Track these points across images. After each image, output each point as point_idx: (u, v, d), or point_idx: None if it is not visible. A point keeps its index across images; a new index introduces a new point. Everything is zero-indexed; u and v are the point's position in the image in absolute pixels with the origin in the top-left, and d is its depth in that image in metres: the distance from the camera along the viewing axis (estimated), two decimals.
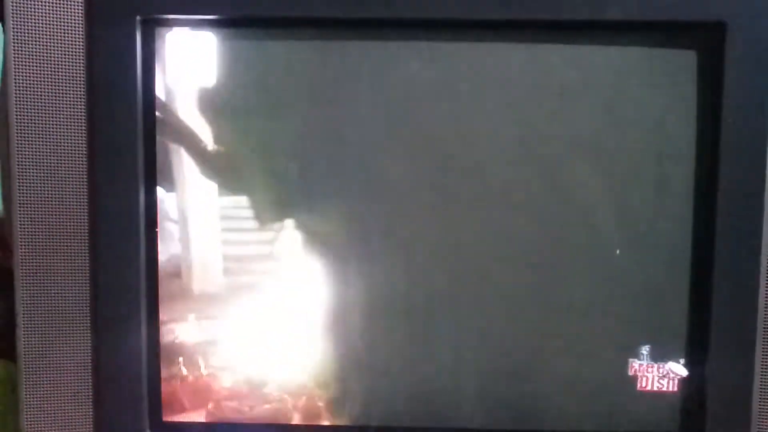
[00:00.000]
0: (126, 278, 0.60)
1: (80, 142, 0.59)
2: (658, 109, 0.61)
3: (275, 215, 0.62)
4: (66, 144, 0.59)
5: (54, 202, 0.59)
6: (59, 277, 0.59)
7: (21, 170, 0.58)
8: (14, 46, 0.58)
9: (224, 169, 0.62)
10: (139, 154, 0.59)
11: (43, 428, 0.60)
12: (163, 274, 0.61)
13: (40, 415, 0.59)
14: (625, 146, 0.61)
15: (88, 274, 0.59)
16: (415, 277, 0.62)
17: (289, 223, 0.61)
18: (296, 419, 0.62)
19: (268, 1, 0.59)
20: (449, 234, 0.62)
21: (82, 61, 0.58)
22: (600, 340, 0.62)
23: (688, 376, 0.61)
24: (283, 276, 0.62)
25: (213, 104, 0.61)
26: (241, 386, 0.62)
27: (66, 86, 0.58)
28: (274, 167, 0.62)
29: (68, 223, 0.59)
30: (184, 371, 0.62)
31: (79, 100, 0.58)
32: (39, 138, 0.58)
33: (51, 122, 0.58)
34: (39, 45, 0.58)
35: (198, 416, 0.62)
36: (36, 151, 0.58)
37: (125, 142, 0.59)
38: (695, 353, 0.60)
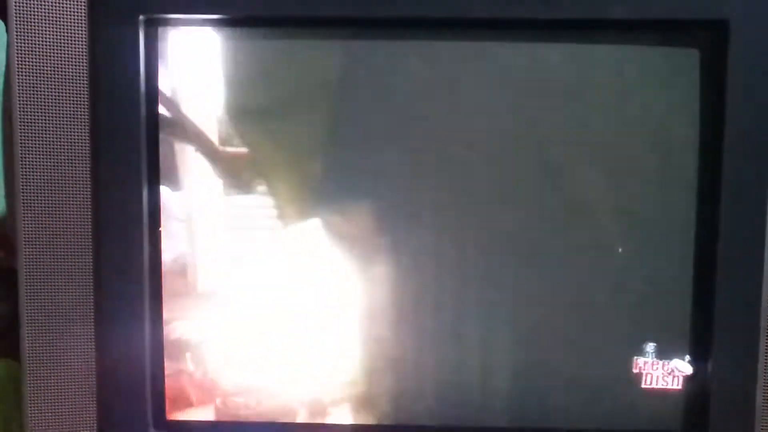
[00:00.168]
0: (129, 277, 0.60)
1: (83, 141, 0.59)
2: (661, 107, 0.61)
3: (281, 213, 0.62)
4: (69, 143, 0.58)
5: (57, 202, 0.59)
6: (63, 277, 0.59)
7: (24, 170, 0.58)
8: (17, 46, 0.58)
9: (228, 168, 0.62)
10: (142, 153, 0.60)
11: (47, 427, 0.60)
12: (169, 272, 0.61)
13: (44, 414, 0.59)
14: (628, 145, 0.61)
15: (91, 274, 0.59)
16: (417, 277, 0.62)
17: (296, 221, 0.62)
18: (304, 415, 0.62)
19: (270, 0, 0.59)
20: (452, 233, 0.62)
21: (85, 60, 0.58)
22: (605, 338, 0.62)
23: (692, 374, 0.61)
24: (294, 274, 0.62)
25: (215, 103, 0.61)
26: (248, 382, 0.62)
27: (69, 85, 0.58)
28: (279, 166, 0.61)
29: (72, 223, 0.59)
30: (191, 367, 0.62)
31: (82, 99, 0.58)
32: (42, 137, 0.58)
33: (54, 121, 0.58)
34: (42, 44, 0.58)
35: (205, 411, 0.62)
36: (39, 151, 0.58)
37: (128, 141, 0.59)
38: (700, 350, 0.60)
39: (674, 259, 0.61)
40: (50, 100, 0.58)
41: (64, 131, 0.58)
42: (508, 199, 0.62)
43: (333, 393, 0.63)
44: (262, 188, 0.61)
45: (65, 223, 0.59)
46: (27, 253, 0.59)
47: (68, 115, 0.58)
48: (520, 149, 0.62)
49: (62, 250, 0.59)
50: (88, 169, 0.59)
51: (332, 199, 0.62)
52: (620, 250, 0.61)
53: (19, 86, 0.58)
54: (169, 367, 0.62)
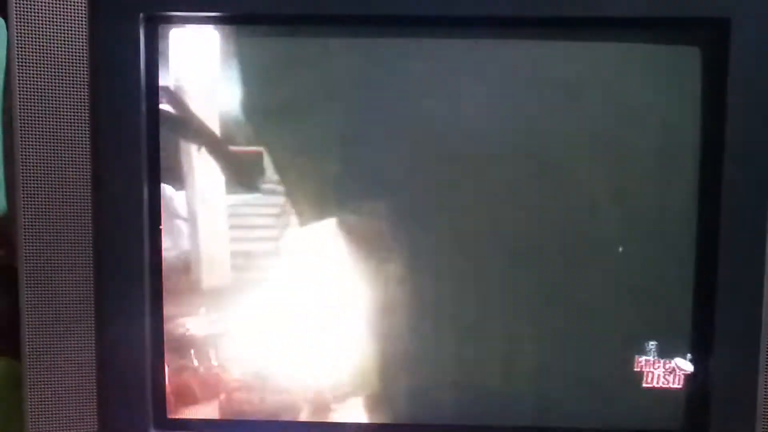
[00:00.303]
0: (130, 276, 0.60)
1: (84, 139, 0.59)
2: (662, 105, 0.61)
3: (282, 211, 0.62)
4: (69, 141, 0.58)
5: (58, 200, 0.59)
6: (63, 275, 0.59)
7: (24, 167, 0.58)
8: (17, 44, 0.58)
9: (230, 166, 0.62)
10: (142, 151, 0.60)
11: (47, 426, 0.59)
12: (172, 269, 0.61)
13: (44, 412, 0.59)
14: (630, 143, 0.61)
15: (91, 272, 0.59)
16: (415, 277, 0.62)
17: (300, 219, 0.62)
18: (306, 413, 0.62)
19: None
20: (449, 231, 0.62)
21: (85, 58, 0.58)
22: (606, 337, 0.62)
23: (694, 373, 0.61)
24: (300, 272, 0.62)
25: (216, 101, 0.61)
26: (252, 378, 0.62)
27: (69, 83, 0.58)
28: (280, 164, 0.61)
29: (72, 221, 0.59)
30: (195, 363, 0.62)
31: (82, 97, 0.58)
32: (42, 135, 0.58)
33: (54, 119, 0.58)
34: (42, 42, 0.57)
35: (209, 408, 0.62)
36: (39, 149, 0.58)
37: (128, 139, 0.59)
38: (701, 349, 0.60)
39: (676, 258, 0.61)
40: (50, 98, 0.58)
41: (64, 129, 0.58)
42: (510, 198, 0.62)
43: (336, 390, 0.63)
44: (264, 186, 0.61)
45: (65, 221, 0.59)
46: (27, 251, 0.59)
47: (68, 113, 0.58)
48: (521, 148, 0.61)
49: (62, 248, 0.59)
50: (89, 167, 0.59)
51: (330, 198, 0.62)
52: (621, 249, 0.61)
53: (19, 84, 0.58)
54: (173, 363, 0.62)
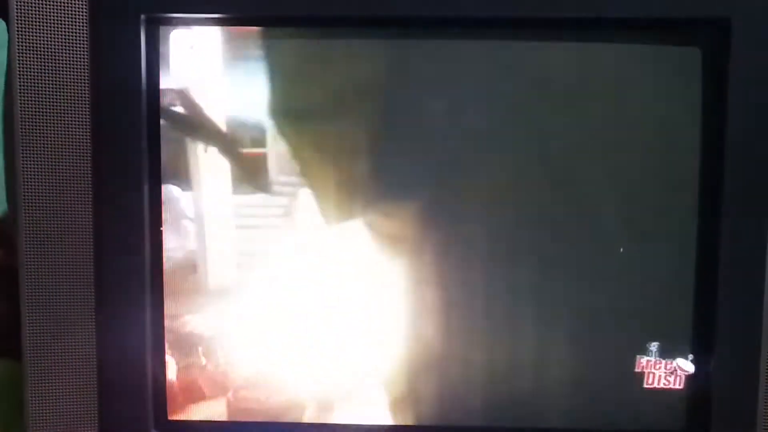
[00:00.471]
0: (130, 277, 0.60)
1: (85, 140, 0.58)
2: (663, 106, 0.61)
3: (281, 211, 0.62)
4: (70, 142, 0.58)
5: (58, 201, 0.58)
6: (63, 276, 0.59)
7: (25, 168, 0.58)
8: (18, 46, 0.58)
9: (233, 166, 0.62)
10: (143, 152, 0.60)
11: (47, 427, 0.59)
12: (177, 269, 0.61)
13: (44, 414, 0.59)
14: (630, 144, 0.61)
15: (92, 273, 0.59)
16: (425, 279, 0.62)
17: (304, 218, 0.62)
18: (312, 413, 0.63)
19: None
20: (456, 234, 0.62)
21: (86, 59, 0.58)
22: (608, 338, 0.62)
23: (695, 373, 0.61)
24: (308, 272, 0.63)
25: (217, 102, 0.61)
26: (258, 376, 0.63)
27: (70, 85, 0.58)
28: (281, 164, 0.62)
29: (73, 222, 0.59)
30: (203, 361, 0.62)
31: (83, 98, 0.58)
32: (43, 136, 0.58)
33: (55, 120, 0.58)
34: (43, 44, 0.57)
35: (216, 405, 0.63)
36: (40, 150, 0.58)
37: (129, 141, 0.59)
38: (702, 350, 0.60)
39: (677, 259, 0.61)
40: (51, 100, 0.58)
41: (65, 130, 0.58)
42: (513, 200, 0.62)
43: (341, 390, 0.63)
44: (270, 187, 0.61)
45: (66, 222, 0.59)
46: (28, 251, 0.59)
47: (69, 114, 0.58)
48: (522, 150, 0.62)
49: (63, 249, 0.59)
50: (90, 168, 0.59)
51: (331, 197, 0.62)
52: (622, 250, 0.61)
53: (20, 86, 0.58)
54: (180, 360, 0.62)
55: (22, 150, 0.58)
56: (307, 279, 0.62)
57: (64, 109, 0.58)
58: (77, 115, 0.58)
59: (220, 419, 0.63)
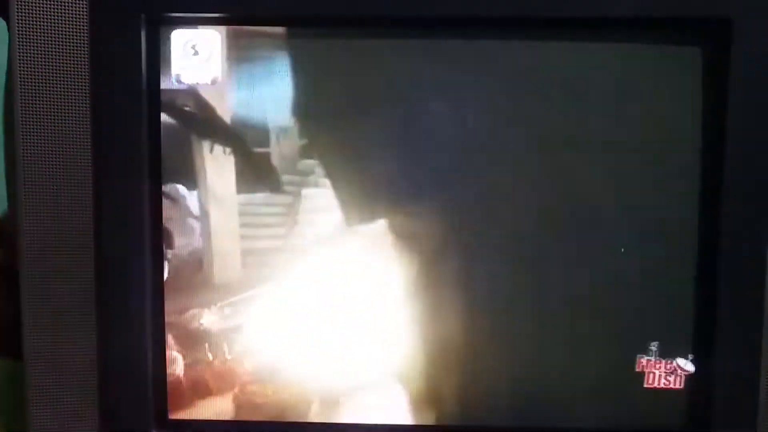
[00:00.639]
0: (131, 276, 0.60)
1: (85, 140, 0.58)
2: (664, 106, 0.61)
3: (282, 210, 0.62)
4: (71, 142, 0.58)
5: (59, 200, 0.58)
6: (64, 275, 0.59)
7: (25, 168, 0.58)
8: (19, 45, 0.58)
9: (236, 165, 0.62)
10: (143, 151, 0.60)
11: (48, 426, 0.59)
12: (182, 266, 0.62)
13: (45, 413, 0.59)
14: (631, 143, 0.61)
15: (93, 273, 0.59)
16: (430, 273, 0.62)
17: (306, 217, 0.62)
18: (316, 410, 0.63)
19: None
20: (450, 231, 0.62)
21: (87, 59, 0.58)
22: (608, 337, 0.62)
23: (695, 373, 0.61)
24: (319, 271, 0.63)
25: (218, 102, 0.61)
26: (265, 371, 0.63)
27: (71, 85, 0.58)
28: (288, 163, 0.62)
29: (73, 221, 0.59)
30: (210, 356, 0.63)
31: (84, 98, 0.58)
32: (43, 136, 0.58)
33: (56, 120, 0.58)
34: (44, 43, 0.57)
35: (223, 400, 0.63)
36: (41, 150, 0.58)
37: (130, 141, 0.59)
38: (703, 349, 0.60)
39: (677, 258, 0.61)
40: (52, 99, 0.58)
41: (65, 130, 0.58)
42: (512, 199, 0.62)
43: (350, 387, 0.63)
44: (275, 185, 0.62)
45: (67, 222, 0.59)
46: (28, 251, 0.59)
47: (70, 114, 0.58)
48: (522, 149, 0.62)
49: (64, 249, 0.59)
50: (90, 168, 0.59)
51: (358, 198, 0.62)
52: (623, 249, 0.61)
53: (20, 85, 0.58)
54: (187, 356, 0.62)
55: (22, 149, 0.58)
56: (320, 276, 0.62)
57: (64, 109, 0.58)
58: (77, 115, 0.58)
59: (224, 416, 0.63)
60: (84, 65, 0.58)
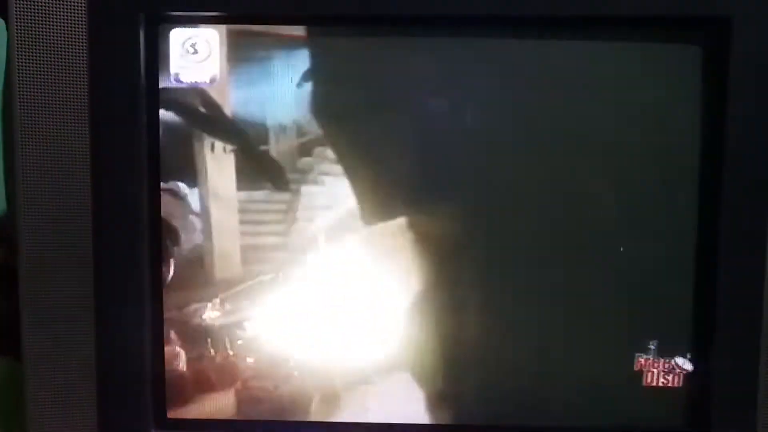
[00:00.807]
0: (130, 276, 0.60)
1: (84, 139, 0.58)
2: (663, 104, 0.61)
3: (280, 207, 0.62)
4: (70, 141, 0.58)
5: (58, 199, 0.58)
6: (63, 275, 0.59)
7: (24, 167, 0.58)
8: (17, 44, 0.57)
9: (236, 164, 0.62)
10: (142, 150, 0.60)
11: (47, 426, 0.60)
12: (182, 265, 0.62)
13: (44, 412, 0.60)
14: (630, 142, 0.61)
15: (92, 272, 0.59)
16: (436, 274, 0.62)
17: (306, 214, 0.62)
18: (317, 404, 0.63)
19: None
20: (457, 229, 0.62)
21: (85, 58, 0.58)
22: (606, 336, 0.62)
23: (694, 372, 0.61)
24: (323, 267, 0.63)
25: (217, 101, 0.61)
26: (267, 367, 0.63)
27: (70, 83, 0.58)
28: (281, 163, 0.62)
29: (72, 221, 0.59)
30: (212, 351, 0.63)
31: (82, 97, 0.58)
32: (42, 135, 0.58)
33: (54, 119, 0.58)
34: (43, 42, 0.57)
35: (223, 396, 0.63)
36: (40, 149, 0.58)
37: (129, 140, 0.59)
38: (701, 348, 0.60)
39: (676, 257, 0.61)
40: (51, 98, 0.58)
41: (64, 129, 0.58)
42: (511, 198, 0.62)
43: (347, 383, 0.63)
44: (272, 183, 0.62)
45: (65, 221, 0.59)
46: (27, 251, 0.59)
47: (69, 113, 0.58)
48: (521, 147, 0.62)
49: (63, 248, 0.59)
50: (89, 167, 0.59)
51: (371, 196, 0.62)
52: (622, 249, 0.61)
53: (19, 84, 0.58)
54: (189, 352, 0.62)
55: (22, 149, 0.58)
56: (321, 272, 0.63)
57: (63, 108, 0.58)
58: (76, 114, 0.58)
59: (226, 411, 0.63)
60: (83, 64, 0.58)
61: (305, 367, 0.63)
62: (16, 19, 0.57)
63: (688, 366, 0.61)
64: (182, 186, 0.62)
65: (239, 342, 0.63)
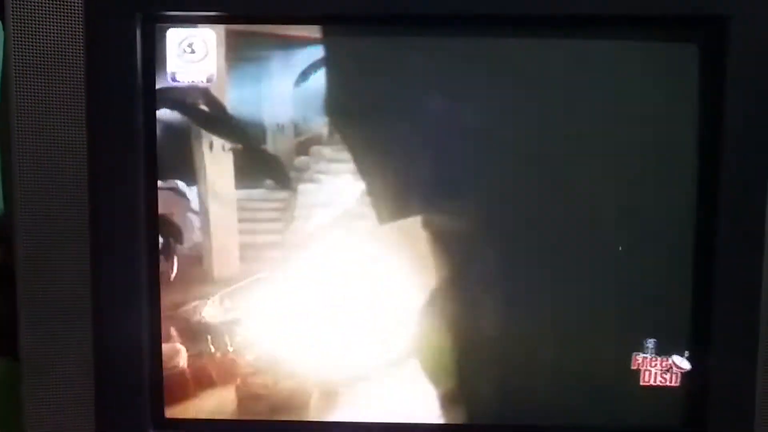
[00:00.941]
0: (127, 275, 0.60)
1: (81, 138, 0.59)
2: (660, 104, 0.60)
3: (278, 205, 0.62)
4: (66, 140, 0.58)
5: (55, 199, 0.59)
6: (61, 275, 0.59)
7: (21, 167, 0.58)
8: (14, 44, 0.57)
9: (234, 163, 0.62)
10: (139, 149, 0.60)
11: (45, 425, 0.60)
12: (185, 261, 0.62)
13: (42, 411, 0.60)
14: (627, 142, 0.61)
15: (89, 273, 0.59)
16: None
17: (305, 212, 0.62)
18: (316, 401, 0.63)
19: None
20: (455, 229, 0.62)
21: (82, 57, 0.58)
22: (604, 335, 0.62)
23: (691, 370, 0.61)
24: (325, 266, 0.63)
25: (215, 100, 0.61)
26: (267, 364, 0.63)
27: (67, 83, 0.58)
28: (278, 161, 0.62)
29: (69, 221, 0.59)
30: (212, 349, 0.63)
31: (79, 96, 0.58)
32: (40, 135, 0.58)
33: (52, 119, 0.58)
34: (39, 41, 0.57)
35: (226, 392, 0.63)
36: (36, 148, 0.58)
37: (125, 139, 0.59)
38: (699, 347, 0.60)
39: (674, 256, 0.61)
40: (47, 98, 0.58)
41: (61, 128, 0.58)
42: (510, 197, 0.62)
43: (347, 382, 0.63)
44: (270, 182, 0.62)
45: (63, 221, 0.59)
46: (25, 251, 0.59)
47: (66, 112, 0.58)
48: (519, 147, 0.61)
49: (60, 247, 0.59)
50: (86, 166, 0.59)
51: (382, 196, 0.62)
52: (620, 248, 0.61)
53: (16, 84, 0.58)
54: (191, 348, 0.63)
55: (18, 148, 0.58)
56: (318, 269, 0.63)
57: (60, 107, 0.58)
58: (73, 113, 0.58)
59: (226, 408, 0.63)
60: (80, 63, 0.58)
61: (305, 364, 0.63)
62: (13, 18, 0.57)
63: (685, 365, 0.61)
64: (181, 184, 0.62)
65: (238, 339, 0.63)
